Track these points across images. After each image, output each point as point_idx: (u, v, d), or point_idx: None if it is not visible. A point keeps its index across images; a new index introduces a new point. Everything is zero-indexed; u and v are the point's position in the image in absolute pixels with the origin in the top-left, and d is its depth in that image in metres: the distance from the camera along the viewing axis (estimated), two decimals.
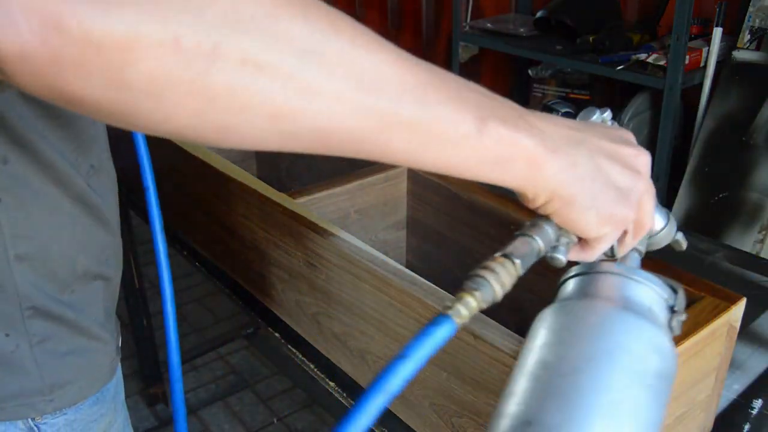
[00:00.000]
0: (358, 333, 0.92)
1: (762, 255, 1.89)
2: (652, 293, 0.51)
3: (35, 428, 0.73)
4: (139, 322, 2.07)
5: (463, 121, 0.41)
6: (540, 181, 0.45)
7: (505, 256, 0.47)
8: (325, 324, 0.99)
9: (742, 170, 2.02)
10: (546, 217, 0.50)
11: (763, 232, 1.96)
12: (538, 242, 0.49)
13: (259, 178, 1.09)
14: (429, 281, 0.82)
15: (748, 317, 1.06)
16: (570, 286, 0.54)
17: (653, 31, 2.30)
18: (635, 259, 0.57)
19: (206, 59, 0.33)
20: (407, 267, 0.86)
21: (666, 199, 2.18)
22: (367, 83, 0.38)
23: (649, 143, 2.30)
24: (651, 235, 0.62)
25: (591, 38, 2.25)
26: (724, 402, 0.91)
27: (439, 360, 0.79)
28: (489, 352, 0.71)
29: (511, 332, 0.72)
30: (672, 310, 0.52)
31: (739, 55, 2.10)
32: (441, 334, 0.41)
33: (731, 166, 2.05)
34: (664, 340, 0.48)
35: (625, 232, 0.53)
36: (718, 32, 2.07)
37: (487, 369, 0.72)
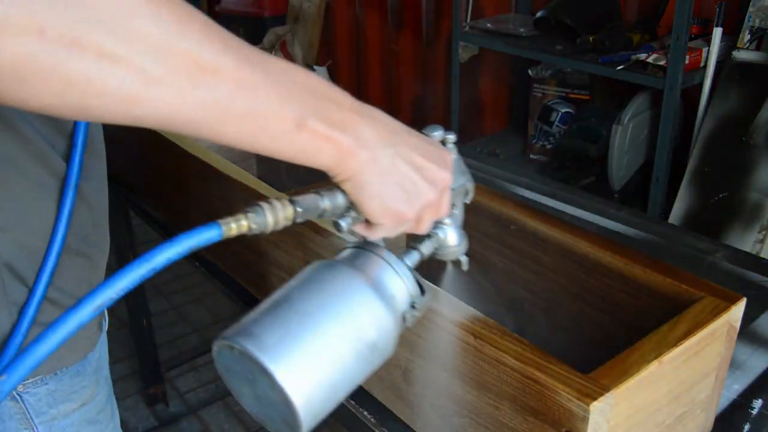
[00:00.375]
0: None
1: (762, 255, 1.89)
2: (402, 286, 0.61)
3: (18, 397, 0.76)
4: (139, 322, 2.07)
5: (284, 119, 0.49)
6: (343, 167, 0.54)
7: (291, 200, 0.55)
8: None
9: (742, 170, 2.02)
10: (343, 189, 0.58)
11: (763, 232, 1.96)
12: (325, 203, 0.57)
13: (259, 178, 1.09)
14: (429, 281, 0.82)
15: (748, 317, 1.06)
16: (347, 251, 0.63)
17: (653, 31, 2.30)
18: (412, 257, 0.66)
19: (67, 50, 0.39)
20: None
21: (666, 199, 2.18)
22: (207, 81, 0.44)
23: (649, 143, 2.30)
24: (441, 246, 0.71)
25: (591, 38, 2.25)
26: (724, 402, 0.91)
27: (439, 360, 0.79)
28: (489, 352, 0.71)
29: (511, 332, 0.72)
30: (413, 306, 0.62)
31: (739, 55, 2.10)
32: (208, 235, 0.52)
33: (731, 166, 2.05)
34: (390, 323, 0.58)
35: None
36: (718, 32, 2.07)
37: (487, 369, 0.72)
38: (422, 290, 0.63)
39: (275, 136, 0.50)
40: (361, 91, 3.78)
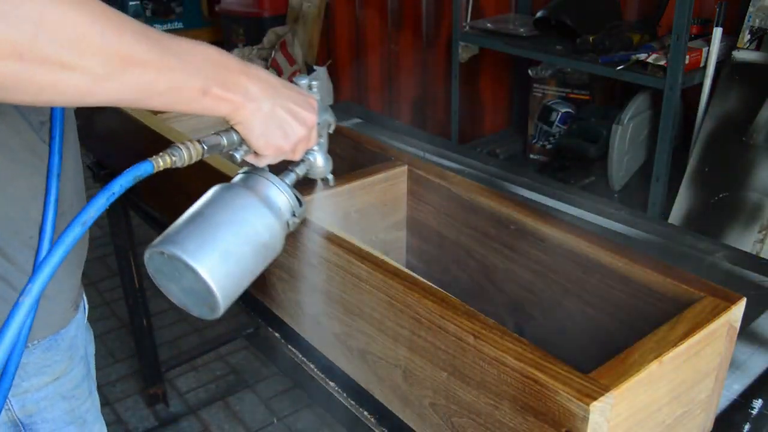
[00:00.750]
0: (358, 333, 0.92)
1: (762, 255, 1.89)
2: (284, 199, 0.81)
3: None
4: (139, 322, 2.07)
5: (193, 90, 0.65)
6: (236, 115, 0.72)
7: (198, 140, 0.72)
8: (325, 324, 0.99)
9: (742, 170, 2.02)
10: (237, 130, 0.75)
11: (763, 232, 1.96)
12: (223, 140, 0.74)
13: None
14: (429, 281, 0.82)
15: (748, 317, 1.06)
16: (240, 176, 0.82)
17: (653, 31, 2.30)
18: (290, 177, 0.85)
19: (39, 66, 0.52)
20: (407, 267, 0.86)
21: (666, 199, 2.18)
22: (139, 72, 0.59)
23: (649, 143, 2.30)
24: (311, 168, 0.90)
25: (591, 38, 2.25)
26: (724, 402, 0.91)
27: (439, 360, 0.79)
28: (489, 352, 0.71)
29: (511, 332, 0.72)
30: (294, 214, 0.82)
31: (739, 55, 2.10)
32: (141, 170, 0.68)
33: (731, 166, 2.05)
34: (277, 227, 0.78)
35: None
36: (718, 32, 2.07)
37: (487, 369, 0.72)
38: (300, 202, 0.83)
39: (188, 102, 0.66)
40: (361, 91, 3.78)
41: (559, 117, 2.58)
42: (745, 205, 2.00)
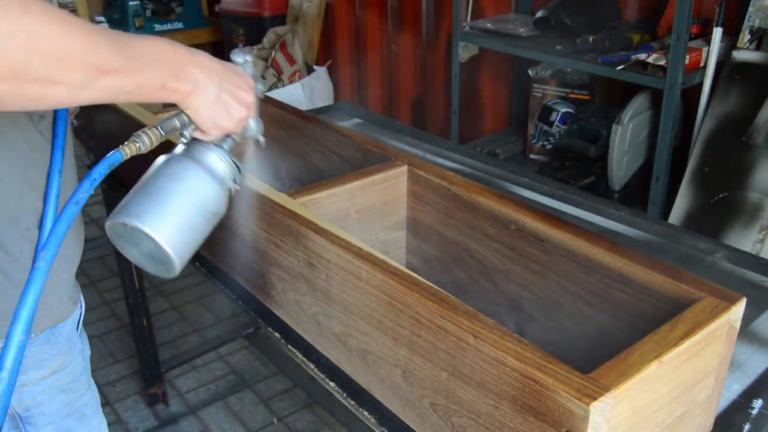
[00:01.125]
0: (358, 333, 0.92)
1: (762, 255, 1.89)
2: (226, 167, 0.88)
3: None
4: (139, 322, 2.07)
5: (153, 86, 0.74)
6: (185, 102, 0.80)
7: (156, 127, 0.82)
8: (325, 324, 0.99)
9: (742, 170, 2.02)
10: (186, 114, 0.84)
11: (763, 232, 1.96)
12: (176, 123, 0.84)
13: (258, 177, 1.09)
14: (429, 281, 0.82)
15: (748, 317, 1.06)
16: (181, 147, 0.88)
17: (653, 31, 2.30)
18: (228, 143, 0.91)
19: (32, 84, 0.62)
20: (407, 267, 0.86)
21: (666, 199, 2.17)
22: (110, 79, 0.68)
23: (649, 143, 2.30)
24: (245, 131, 0.94)
25: (591, 38, 2.25)
26: (724, 402, 0.91)
27: (439, 360, 0.79)
28: (489, 352, 0.71)
29: (511, 332, 0.72)
30: (234, 181, 0.90)
31: (739, 55, 2.10)
32: (112, 159, 0.78)
33: (731, 166, 2.05)
34: (220, 193, 0.87)
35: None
36: (718, 32, 2.07)
37: (487, 369, 0.72)
38: (239, 169, 0.90)
39: (148, 95, 0.75)
40: (361, 91, 3.78)
41: (559, 117, 2.58)
42: (745, 205, 2.00)
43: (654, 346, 0.70)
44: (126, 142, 0.80)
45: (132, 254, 0.85)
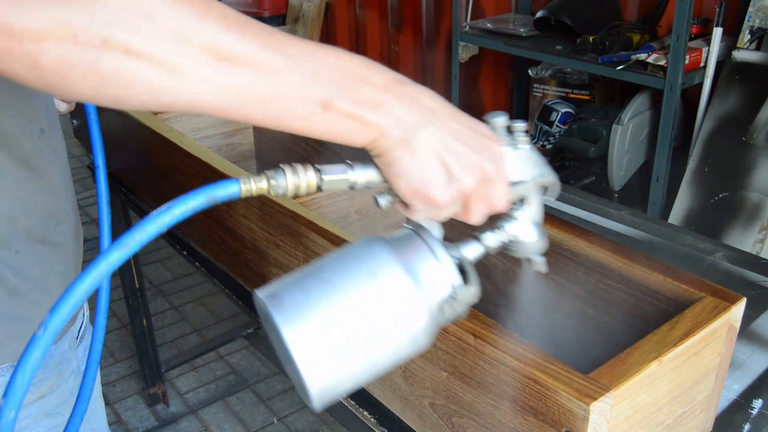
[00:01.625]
0: None
1: (762, 255, 1.89)
2: (437, 271, 0.57)
3: None
4: (139, 322, 2.07)
5: (308, 101, 0.51)
6: (375, 144, 0.54)
7: (317, 168, 0.55)
8: None
9: (742, 170, 2.02)
10: (378, 165, 0.57)
11: (763, 232, 1.96)
12: (354, 174, 0.56)
13: None
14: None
15: (748, 317, 1.06)
16: (400, 231, 0.61)
17: (653, 31, 2.30)
18: (470, 246, 0.62)
19: (97, 50, 0.44)
20: None
21: (666, 199, 2.18)
22: (226, 68, 0.48)
23: (649, 143, 2.30)
24: (511, 241, 0.66)
25: (591, 38, 2.25)
26: (724, 402, 0.91)
27: (439, 360, 0.79)
28: (489, 352, 0.71)
29: (511, 332, 0.72)
30: (452, 296, 0.58)
31: (739, 55, 2.10)
32: (228, 190, 0.52)
33: (731, 166, 2.05)
34: (416, 307, 0.55)
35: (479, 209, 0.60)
36: (718, 32, 2.07)
37: (487, 369, 0.72)
38: (465, 280, 0.58)
39: (301, 117, 0.51)
40: None
41: (559, 117, 2.58)
42: (745, 205, 2.00)
43: (654, 346, 0.70)
44: (258, 174, 0.53)
45: (276, 348, 0.57)
